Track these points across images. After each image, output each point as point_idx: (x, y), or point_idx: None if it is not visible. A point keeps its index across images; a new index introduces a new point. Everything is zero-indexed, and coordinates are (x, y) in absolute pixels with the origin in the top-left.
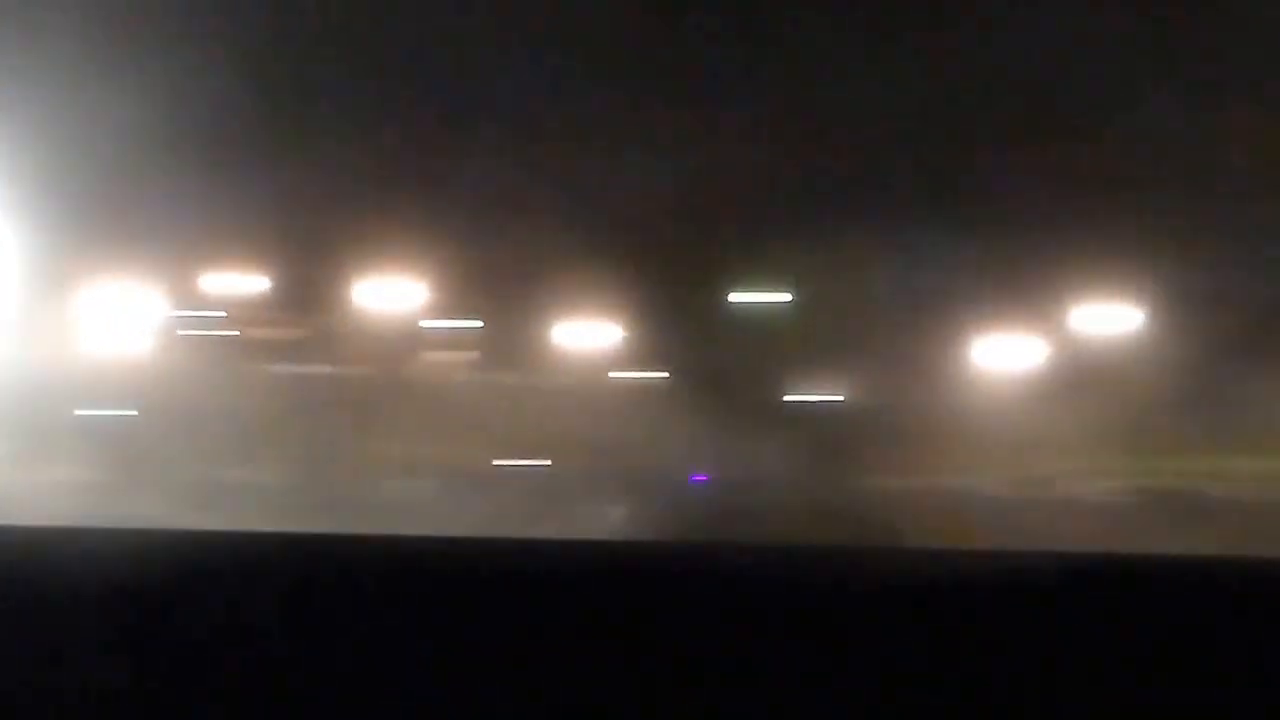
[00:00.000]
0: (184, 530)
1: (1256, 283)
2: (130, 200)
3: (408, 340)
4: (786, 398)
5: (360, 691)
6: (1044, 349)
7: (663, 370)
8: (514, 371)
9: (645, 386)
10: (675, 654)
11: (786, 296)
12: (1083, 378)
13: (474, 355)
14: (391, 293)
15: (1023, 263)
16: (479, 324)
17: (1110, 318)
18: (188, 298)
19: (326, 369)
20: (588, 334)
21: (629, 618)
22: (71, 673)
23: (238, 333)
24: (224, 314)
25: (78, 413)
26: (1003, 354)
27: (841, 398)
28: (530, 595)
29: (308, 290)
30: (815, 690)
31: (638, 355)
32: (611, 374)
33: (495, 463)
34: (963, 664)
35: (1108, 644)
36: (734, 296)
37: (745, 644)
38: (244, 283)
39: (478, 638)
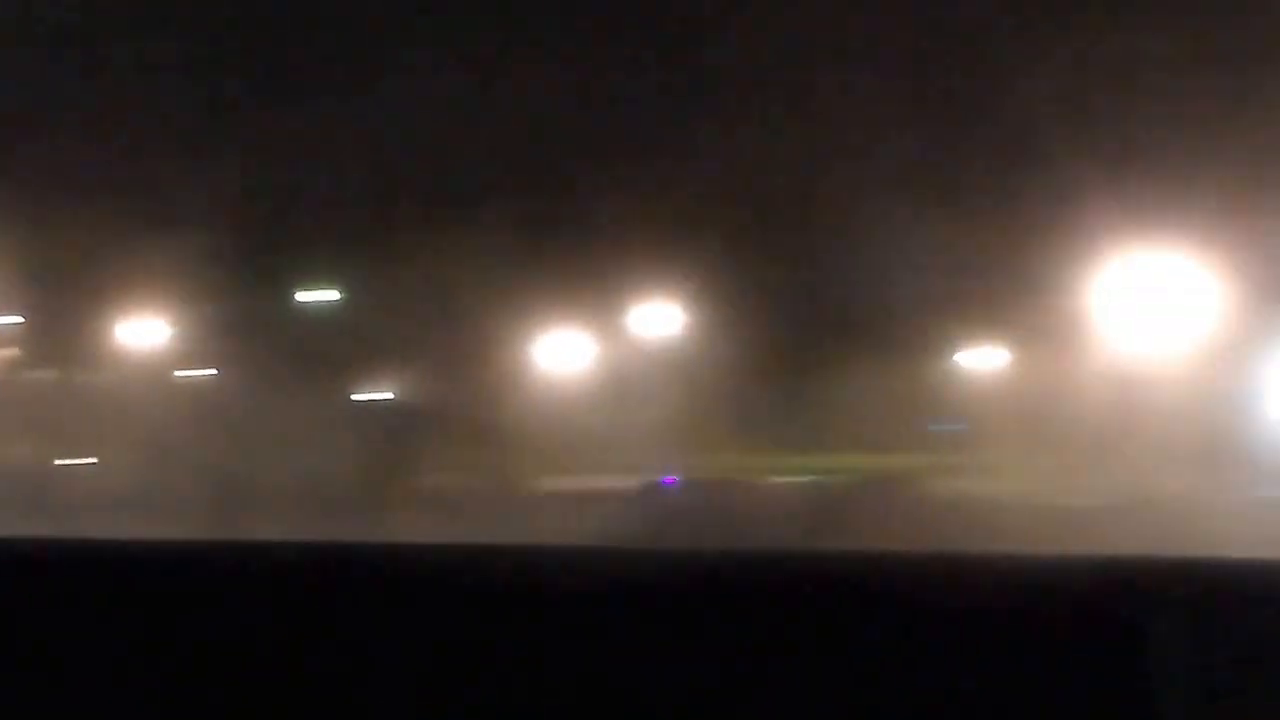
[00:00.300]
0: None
1: (807, 287)
2: None
3: None
4: (345, 395)
5: (356, 698)
6: (600, 348)
7: (219, 367)
8: (65, 369)
9: (203, 383)
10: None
11: (346, 296)
12: (637, 376)
13: (19, 352)
14: None
15: (581, 263)
16: (22, 320)
17: (663, 318)
18: None
19: None
20: (142, 331)
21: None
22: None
23: None
24: None
25: None
26: (562, 353)
27: (397, 395)
28: (523, 603)
29: None
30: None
31: (195, 352)
32: (172, 370)
33: (55, 461)
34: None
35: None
36: (294, 295)
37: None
38: None
39: (469, 644)
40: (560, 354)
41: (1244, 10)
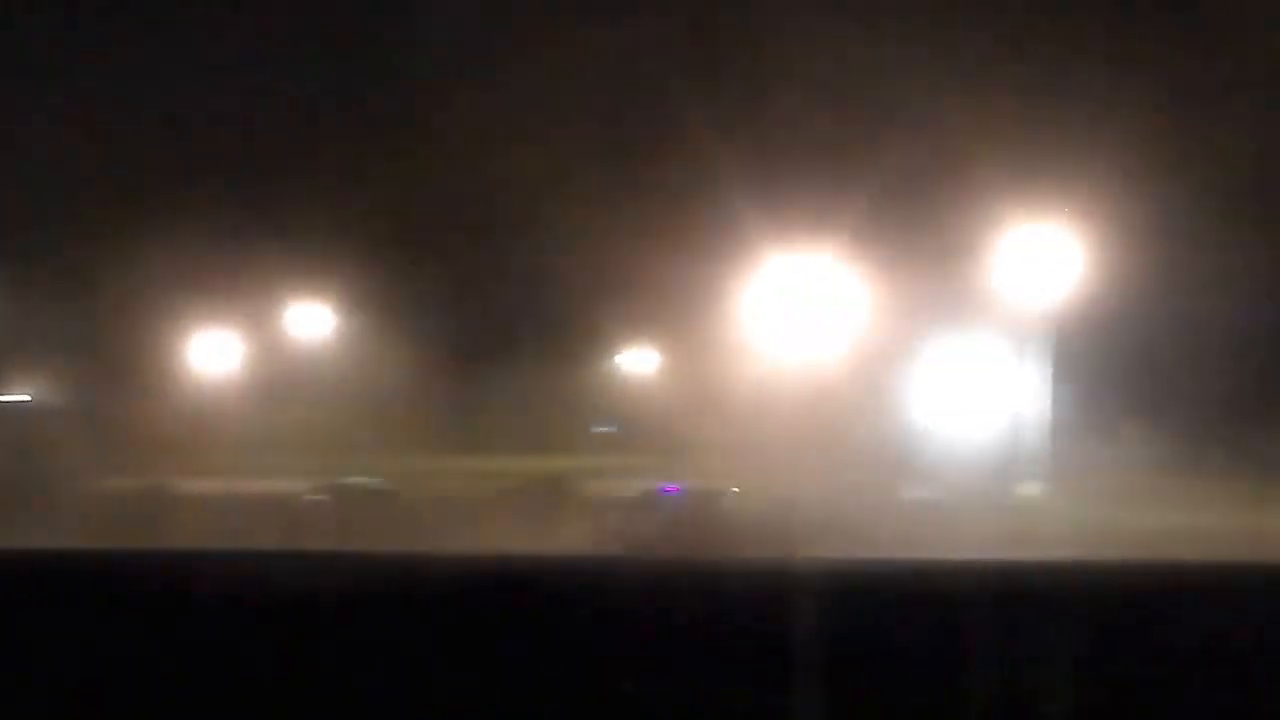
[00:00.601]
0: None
1: (471, 295)
2: None
3: None
4: None
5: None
6: (253, 351)
7: None
8: None
9: None
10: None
11: None
12: (289, 380)
13: None
14: None
15: (237, 264)
16: None
17: (322, 321)
18: None
19: None
20: None
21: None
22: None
23: None
24: None
25: None
26: (213, 356)
27: (32, 397)
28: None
29: None
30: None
31: None
32: None
33: None
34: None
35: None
36: None
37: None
38: None
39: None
40: (215, 355)
41: (884, 40)
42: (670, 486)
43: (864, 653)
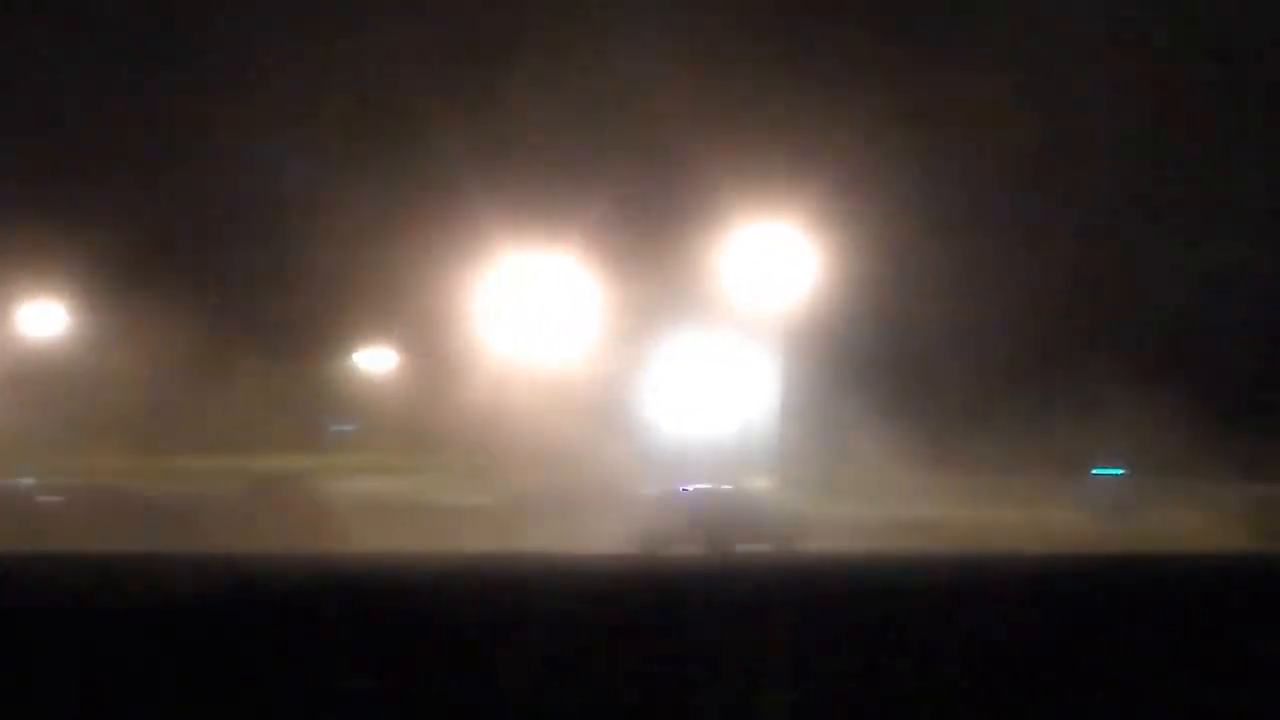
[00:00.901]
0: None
1: (211, 295)
2: None
3: None
4: None
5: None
6: None
7: None
8: None
9: None
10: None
11: None
12: (20, 378)
13: None
14: None
15: None
16: None
17: (49, 320)
18: None
19: None
20: None
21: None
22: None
23: None
24: None
25: None
26: None
27: None
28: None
29: None
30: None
31: None
32: None
33: None
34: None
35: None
36: None
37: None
38: None
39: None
40: None
41: (621, 47)
42: (689, 485)
43: (579, 643)
